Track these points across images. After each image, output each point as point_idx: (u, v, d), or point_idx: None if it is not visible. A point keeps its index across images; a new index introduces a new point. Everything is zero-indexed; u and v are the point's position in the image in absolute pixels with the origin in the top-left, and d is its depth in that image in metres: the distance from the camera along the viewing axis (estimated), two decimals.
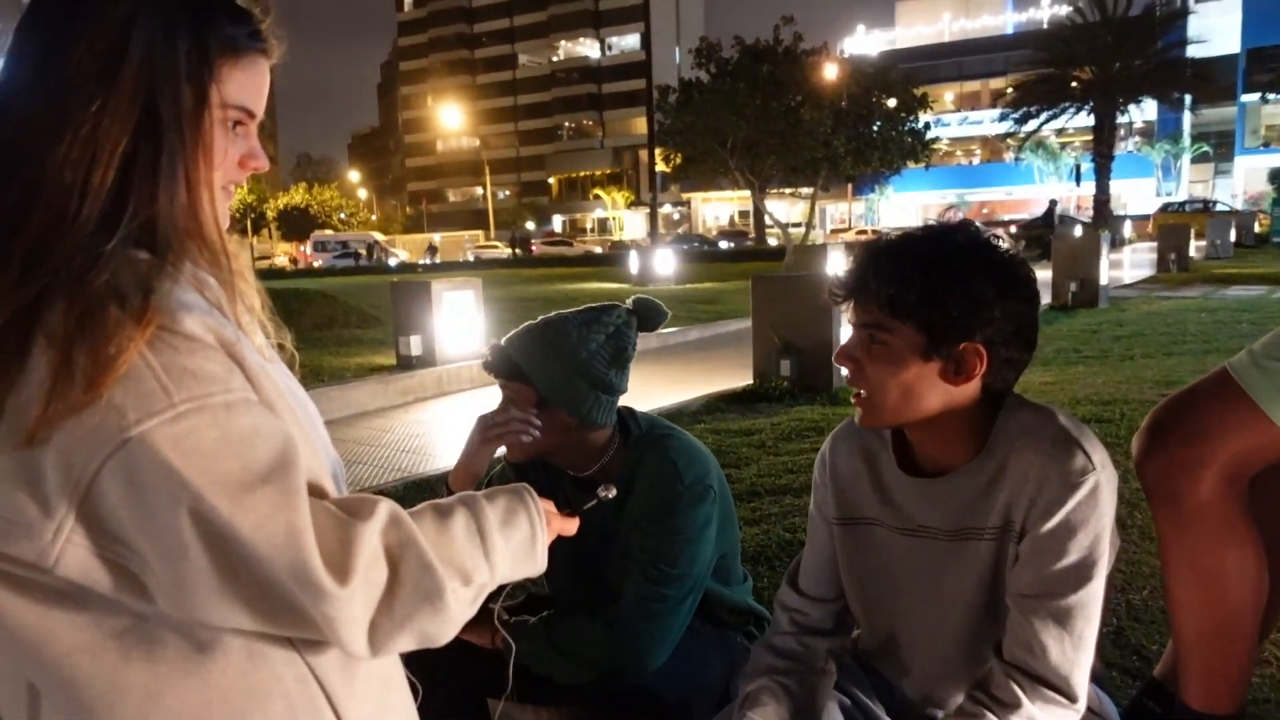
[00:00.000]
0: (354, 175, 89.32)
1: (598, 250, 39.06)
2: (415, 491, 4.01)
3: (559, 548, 1.64)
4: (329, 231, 55.10)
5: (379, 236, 50.90)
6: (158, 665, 0.80)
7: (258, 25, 0.91)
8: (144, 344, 0.75)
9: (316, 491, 0.85)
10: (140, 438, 0.73)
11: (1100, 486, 1.14)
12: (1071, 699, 1.14)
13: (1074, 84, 38.47)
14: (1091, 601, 1.15)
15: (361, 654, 0.82)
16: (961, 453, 1.20)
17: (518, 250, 48.21)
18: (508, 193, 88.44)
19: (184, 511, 0.74)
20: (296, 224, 54.17)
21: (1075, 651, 1.14)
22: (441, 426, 6.34)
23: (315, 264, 44.14)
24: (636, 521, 1.54)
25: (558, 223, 75.43)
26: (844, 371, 1.21)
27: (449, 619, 0.85)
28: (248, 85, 0.90)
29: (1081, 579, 1.13)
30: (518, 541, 0.95)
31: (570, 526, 1.11)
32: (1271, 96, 35.93)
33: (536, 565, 0.98)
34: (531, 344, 1.53)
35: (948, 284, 1.10)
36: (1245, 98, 44.49)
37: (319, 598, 0.76)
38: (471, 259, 43.92)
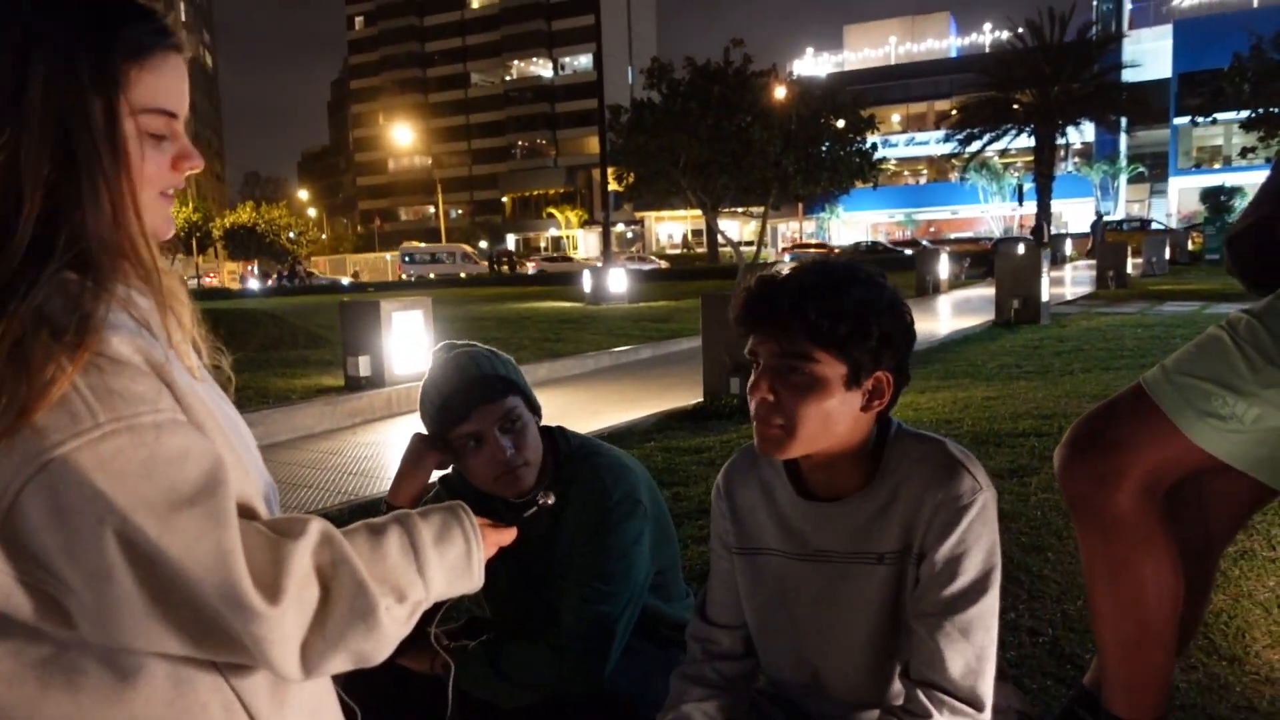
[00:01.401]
0: (304, 194, 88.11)
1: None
2: (362, 515, 3.88)
3: (499, 569, 1.64)
4: (419, 244, 54.80)
5: (468, 249, 50.40)
6: (79, 694, 0.79)
7: (162, 21, 0.88)
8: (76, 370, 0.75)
9: (247, 512, 0.84)
10: (63, 459, 0.72)
11: (988, 504, 1.21)
12: (978, 708, 1.19)
13: (1015, 106, 39.66)
14: (989, 613, 1.20)
15: (294, 675, 0.81)
16: (855, 478, 1.26)
17: (502, 268, 43.89)
18: (460, 211, 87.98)
19: (109, 533, 0.73)
20: (243, 243, 53.16)
21: (979, 662, 1.19)
22: (390, 448, 6.26)
23: (403, 276, 42.24)
24: (571, 540, 1.54)
25: (511, 241, 75.17)
26: (752, 404, 1.22)
27: (383, 638, 0.85)
28: (162, 86, 0.87)
29: (979, 592, 1.19)
30: (453, 557, 0.94)
31: (507, 537, 1.10)
32: (1202, 120, 37.29)
33: (473, 581, 0.97)
34: (502, 363, 1.56)
35: (871, 319, 1.17)
36: (1177, 120, 46.04)
37: (249, 618, 0.76)
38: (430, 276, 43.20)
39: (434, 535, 0.93)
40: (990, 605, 1.20)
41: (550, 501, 1.30)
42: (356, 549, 0.85)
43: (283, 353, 10.03)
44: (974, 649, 1.18)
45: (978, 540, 1.19)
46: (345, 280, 42.01)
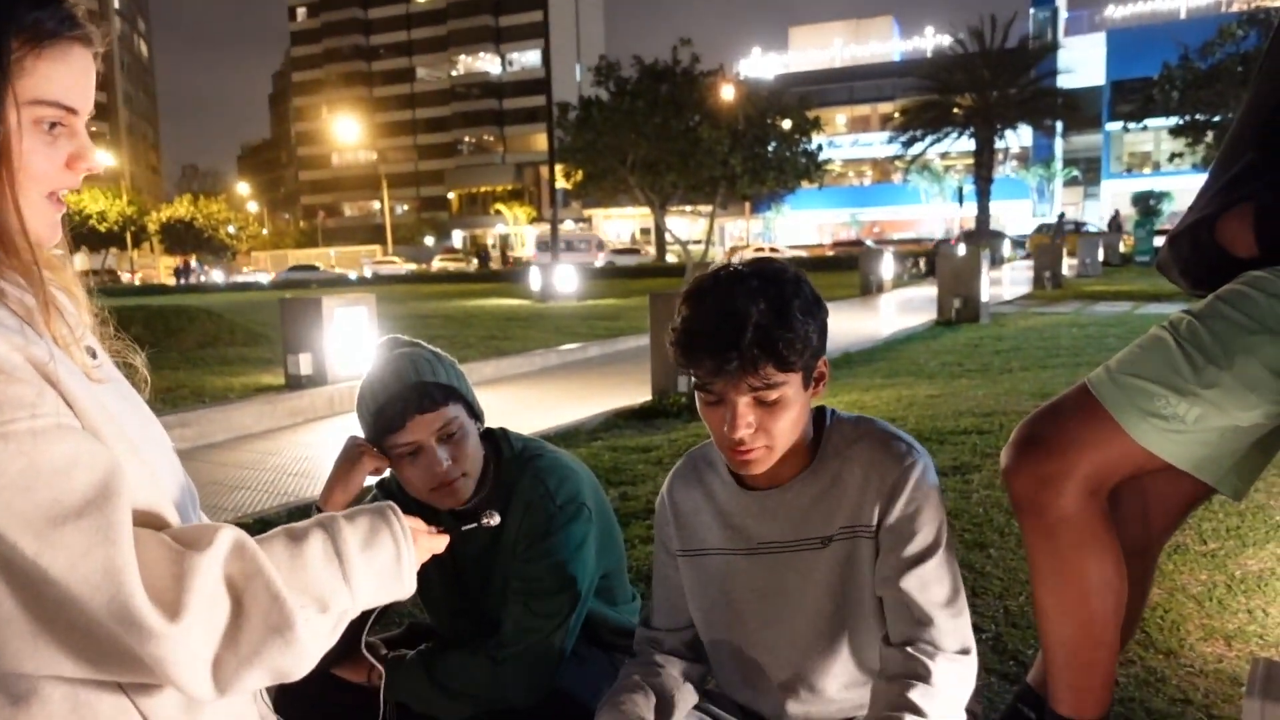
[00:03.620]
0: (244, 188, 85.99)
1: (671, 259, 34.44)
2: (301, 517, 3.83)
3: (439, 579, 1.59)
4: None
5: (603, 238, 49.50)
6: None
7: (70, 10, 0.82)
8: None
9: (154, 521, 0.79)
10: None
11: (927, 464, 1.29)
12: (966, 652, 1.24)
13: (956, 110, 40.54)
14: (953, 560, 1.27)
15: (205, 696, 0.76)
16: (793, 464, 1.29)
17: (500, 266, 41.79)
18: (406, 207, 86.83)
19: None
20: (180, 237, 51.71)
21: (955, 604, 1.25)
22: (331, 448, 6.08)
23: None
24: (513, 547, 1.50)
25: (458, 238, 74.41)
26: (732, 437, 1.20)
27: (303, 652, 0.80)
28: (60, 78, 0.81)
29: (938, 543, 1.25)
30: (381, 563, 0.90)
31: (440, 544, 1.05)
32: (1133, 125, 38.55)
33: (404, 588, 0.93)
34: (444, 367, 1.50)
35: (811, 326, 1.19)
36: (1110, 126, 47.55)
37: (145, 638, 0.71)
38: (369, 275, 42.32)
39: (361, 540, 0.88)
40: (950, 556, 1.26)
41: (494, 523, 1.25)
42: (274, 557, 0.81)
43: (220, 350, 9.73)
44: (949, 592, 1.24)
45: (926, 498, 1.25)
46: (353, 274, 40.68)
